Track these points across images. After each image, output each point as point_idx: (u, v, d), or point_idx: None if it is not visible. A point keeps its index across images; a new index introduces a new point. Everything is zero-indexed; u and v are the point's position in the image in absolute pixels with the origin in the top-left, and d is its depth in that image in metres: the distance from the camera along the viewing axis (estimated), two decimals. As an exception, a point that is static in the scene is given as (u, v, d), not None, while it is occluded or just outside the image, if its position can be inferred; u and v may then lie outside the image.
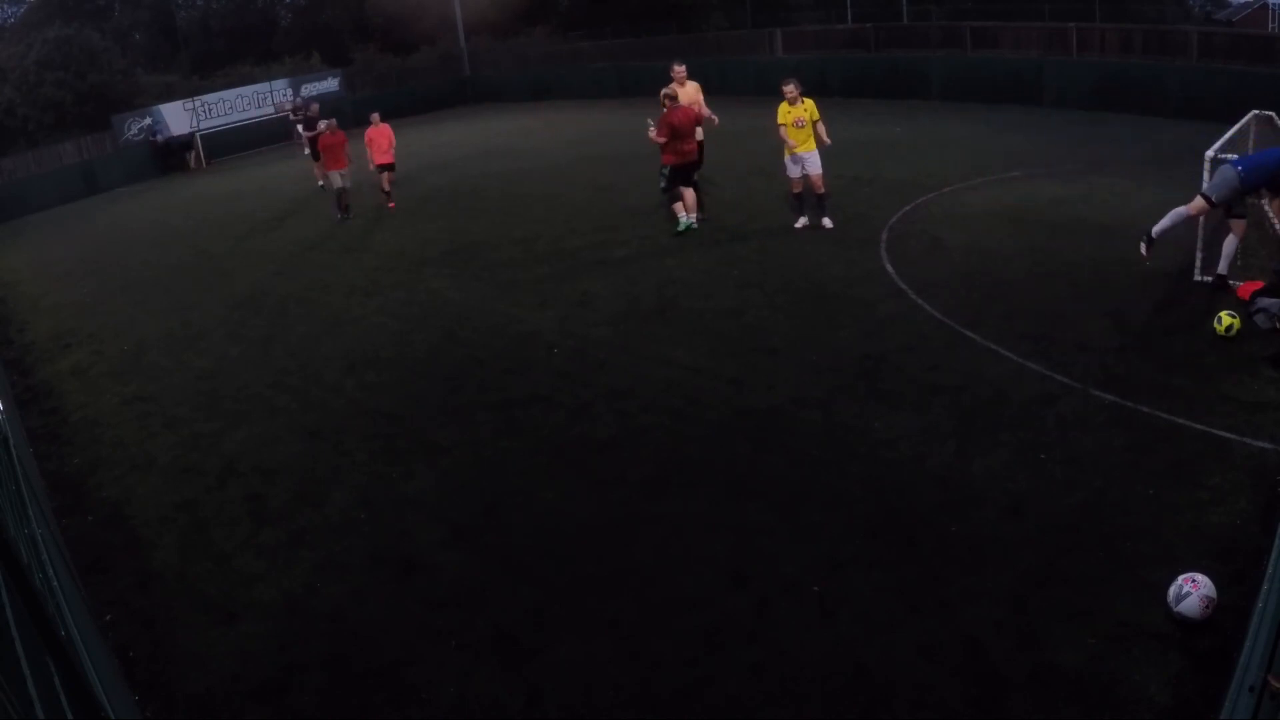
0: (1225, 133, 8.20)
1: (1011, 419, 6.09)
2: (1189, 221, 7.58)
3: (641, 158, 13.85)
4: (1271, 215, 7.76)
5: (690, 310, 8.76)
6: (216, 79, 30.45)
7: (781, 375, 7.15)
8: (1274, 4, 29.93)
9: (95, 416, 8.08)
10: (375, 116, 15.23)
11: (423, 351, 8.57)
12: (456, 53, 33.08)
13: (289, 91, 28.38)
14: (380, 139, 15.03)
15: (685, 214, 11.30)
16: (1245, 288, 7.43)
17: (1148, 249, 7.78)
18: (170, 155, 24.77)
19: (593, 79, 28.58)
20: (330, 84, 29.66)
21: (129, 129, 24.69)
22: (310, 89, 28.98)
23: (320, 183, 16.84)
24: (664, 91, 11.13)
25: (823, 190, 10.74)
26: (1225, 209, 7.44)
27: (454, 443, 6.69)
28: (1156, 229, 7.70)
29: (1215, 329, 6.87)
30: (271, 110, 27.68)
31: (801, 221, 10.91)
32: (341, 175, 14.24)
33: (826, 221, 10.81)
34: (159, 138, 24.91)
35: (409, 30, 33.74)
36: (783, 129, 10.56)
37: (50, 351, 10.20)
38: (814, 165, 10.55)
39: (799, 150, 10.50)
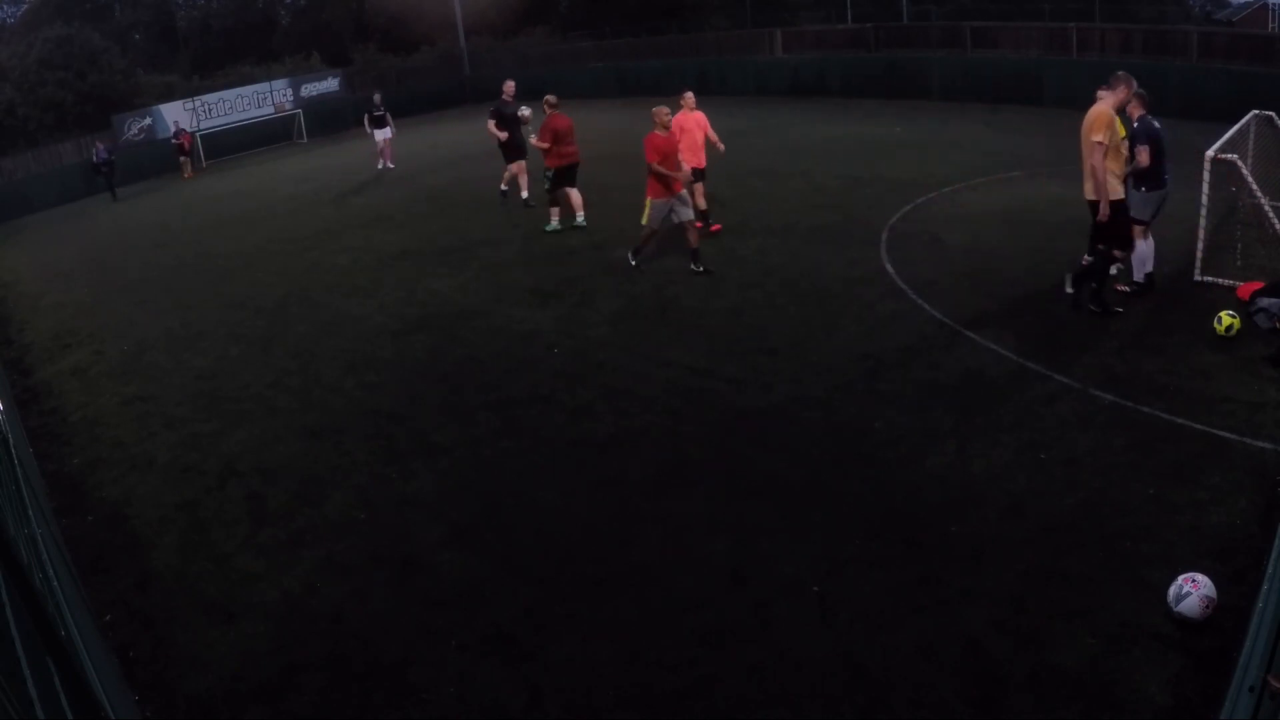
0: (1225, 133, 8.21)
1: (1011, 419, 6.09)
2: (1146, 243, 7.72)
3: (641, 158, 13.81)
4: (1271, 215, 7.78)
5: (690, 310, 8.76)
6: (216, 79, 30.50)
7: (781, 375, 7.15)
8: (1274, 4, 29.99)
9: (95, 416, 8.07)
10: (689, 97, 10.45)
11: (423, 351, 8.56)
12: (456, 53, 33.11)
13: (288, 91, 28.38)
14: (696, 130, 10.40)
15: (556, 218, 11.85)
16: (1245, 288, 7.44)
17: (1134, 290, 7.81)
18: (101, 175, 21.60)
19: (593, 79, 28.59)
20: (330, 84, 29.70)
21: (129, 129, 24.69)
22: (310, 89, 29.00)
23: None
24: (546, 98, 11.50)
25: None
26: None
27: (454, 443, 6.68)
28: (1138, 275, 7.83)
29: (1215, 329, 6.88)
30: (271, 110, 27.71)
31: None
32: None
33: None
34: (100, 156, 21.80)
35: (409, 30, 33.79)
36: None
37: (50, 351, 10.20)
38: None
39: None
